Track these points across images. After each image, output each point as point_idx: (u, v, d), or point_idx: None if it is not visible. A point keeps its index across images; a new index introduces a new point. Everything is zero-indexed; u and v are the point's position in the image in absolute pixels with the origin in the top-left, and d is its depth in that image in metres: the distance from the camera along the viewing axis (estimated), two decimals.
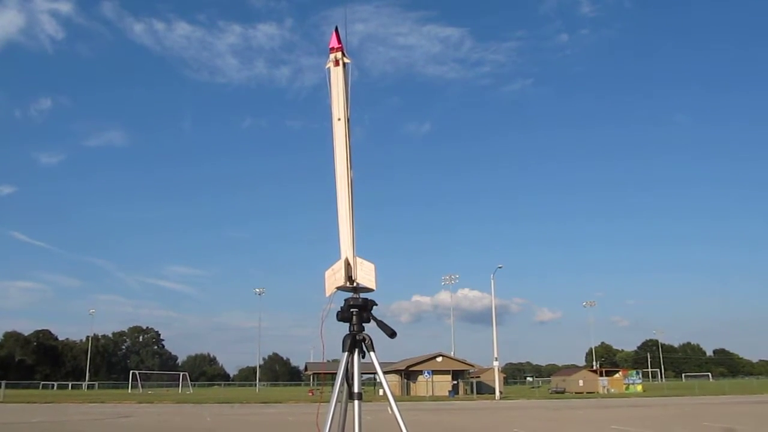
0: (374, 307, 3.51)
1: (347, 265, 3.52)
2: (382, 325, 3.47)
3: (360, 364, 3.45)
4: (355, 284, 3.52)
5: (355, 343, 3.41)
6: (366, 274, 3.51)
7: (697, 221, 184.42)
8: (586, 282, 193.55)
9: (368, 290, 3.53)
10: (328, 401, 3.31)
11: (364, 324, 3.47)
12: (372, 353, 3.43)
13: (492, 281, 54.86)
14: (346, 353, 3.36)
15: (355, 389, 3.37)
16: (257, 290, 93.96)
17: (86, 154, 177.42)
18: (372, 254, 3.56)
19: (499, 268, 56.36)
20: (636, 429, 17.28)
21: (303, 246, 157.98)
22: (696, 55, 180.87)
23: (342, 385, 3.36)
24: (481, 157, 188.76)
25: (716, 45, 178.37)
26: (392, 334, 3.44)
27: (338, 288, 3.53)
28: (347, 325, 3.49)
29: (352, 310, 3.46)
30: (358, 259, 3.55)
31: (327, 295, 3.57)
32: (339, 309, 3.51)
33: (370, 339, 3.44)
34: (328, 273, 3.63)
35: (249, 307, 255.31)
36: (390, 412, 3.34)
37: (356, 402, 3.35)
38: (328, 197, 3.79)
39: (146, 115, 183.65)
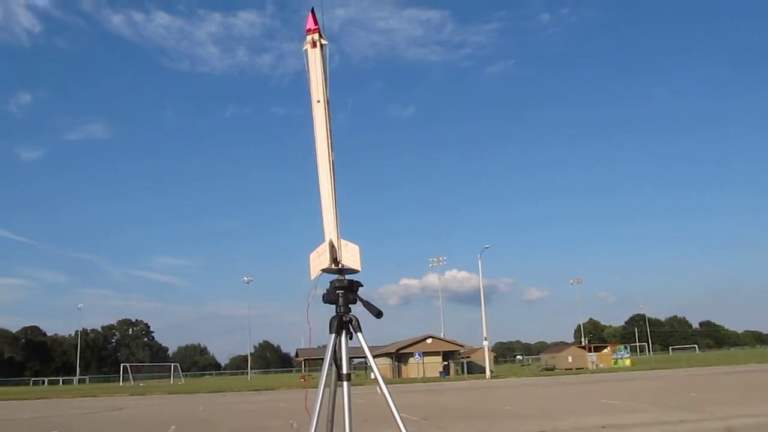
0: (360, 288, 3.51)
1: (332, 247, 3.50)
2: (368, 305, 3.47)
3: (348, 346, 3.45)
4: (340, 266, 3.51)
5: (342, 324, 3.41)
6: (351, 256, 3.50)
7: (681, 195, 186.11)
8: (573, 259, 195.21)
9: (354, 271, 3.52)
10: (317, 386, 3.31)
11: (350, 305, 3.47)
12: (359, 334, 3.43)
13: (479, 262, 55.16)
14: (334, 335, 3.36)
15: (344, 370, 3.38)
16: (245, 278, 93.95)
17: (68, 147, 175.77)
18: (358, 238, 3.55)
19: (486, 248, 56.72)
20: (625, 402, 17.50)
21: (289, 232, 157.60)
22: (676, 30, 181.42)
23: (330, 367, 3.36)
24: (465, 138, 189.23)
25: (697, 19, 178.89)
26: (378, 314, 3.43)
27: (323, 270, 3.52)
28: (334, 307, 3.49)
29: (338, 291, 3.46)
30: (343, 241, 3.54)
31: (312, 278, 3.56)
32: (325, 291, 3.51)
33: (357, 320, 3.44)
34: (312, 256, 3.61)
35: (238, 295, 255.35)
36: (379, 392, 3.35)
37: (345, 383, 3.36)
38: (313, 182, 3.76)
39: (127, 107, 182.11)
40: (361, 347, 3.48)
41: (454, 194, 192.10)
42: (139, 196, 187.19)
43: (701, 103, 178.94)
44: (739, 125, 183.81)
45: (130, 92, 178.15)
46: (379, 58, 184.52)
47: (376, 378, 3.44)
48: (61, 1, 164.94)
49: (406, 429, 3.30)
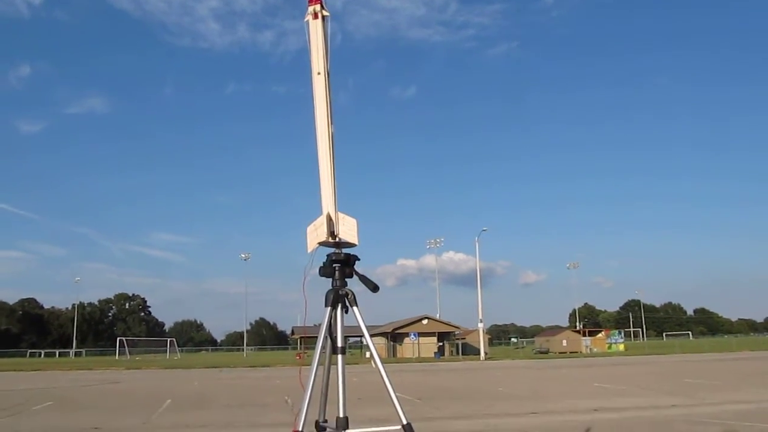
0: (357, 262, 3.49)
1: (329, 220, 3.47)
2: (364, 279, 3.45)
3: (343, 320, 3.43)
4: (337, 239, 3.48)
5: (338, 298, 3.39)
6: (348, 229, 3.47)
7: (678, 181, 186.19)
8: (570, 243, 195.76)
9: (351, 245, 3.49)
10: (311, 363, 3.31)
11: (346, 279, 3.45)
12: (355, 308, 3.40)
13: (476, 244, 55.24)
14: (329, 308, 3.34)
15: (339, 343, 3.37)
16: (243, 255, 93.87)
17: (68, 121, 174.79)
18: (357, 217, 3.52)
19: (484, 231, 56.85)
20: (618, 386, 17.62)
21: (288, 210, 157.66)
22: (680, 15, 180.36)
23: (325, 340, 3.35)
24: (465, 120, 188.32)
25: (702, 4, 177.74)
26: (375, 288, 3.42)
27: (320, 243, 3.49)
28: (330, 281, 3.47)
29: (334, 265, 3.43)
30: (340, 215, 3.50)
31: (309, 251, 3.53)
32: (321, 265, 3.48)
33: (353, 294, 3.42)
34: (309, 229, 3.59)
35: (235, 272, 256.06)
36: (374, 365, 3.34)
37: (339, 356, 3.34)
38: (312, 160, 3.71)
39: (128, 82, 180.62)
40: (357, 322, 3.46)
41: (453, 176, 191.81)
42: (139, 171, 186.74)
43: (703, 90, 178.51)
44: (740, 114, 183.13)
45: (131, 67, 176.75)
46: (382, 37, 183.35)
47: (371, 354, 3.42)
48: None
49: (401, 407, 3.29)
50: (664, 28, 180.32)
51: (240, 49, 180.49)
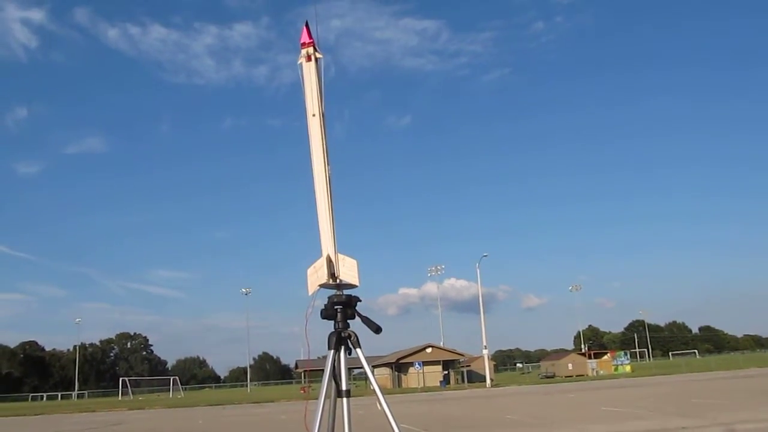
0: (358, 303, 3.48)
1: (329, 261, 3.48)
2: (366, 321, 3.44)
3: (347, 361, 3.42)
4: (338, 281, 3.48)
5: (341, 340, 3.37)
6: (349, 270, 3.48)
7: (679, 199, 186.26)
8: (572, 266, 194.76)
9: (352, 286, 3.49)
10: (316, 399, 3.28)
11: (348, 321, 3.44)
12: (358, 350, 3.39)
13: (477, 270, 55.10)
14: (332, 351, 3.33)
15: (343, 387, 3.35)
16: (244, 290, 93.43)
17: (66, 161, 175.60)
18: (357, 249, 3.52)
19: (484, 256, 56.66)
20: (626, 409, 17.45)
21: (288, 243, 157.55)
22: (669, 35, 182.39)
23: (330, 383, 3.33)
24: (461, 147, 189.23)
25: (690, 24, 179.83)
26: (377, 329, 3.40)
27: (321, 285, 3.48)
28: (332, 322, 3.46)
29: (336, 307, 3.42)
30: (340, 256, 3.51)
31: (310, 293, 3.52)
32: (323, 307, 3.47)
33: (356, 336, 3.41)
34: (310, 271, 3.59)
35: (236, 307, 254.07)
36: (379, 408, 3.32)
37: (344, 400, 3.32)
38: (310, 194, 3.74)
39: (125, 120, 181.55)
40: (360, 363, 3.45)
41: (451, 202, 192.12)
42: (137, 209, 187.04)
43: (697, 107, 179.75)
44: (738, 129, 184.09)
45: (127, 105, 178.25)
46: (375, 68, 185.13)
47: (375, 392, 3.41)
48: (56, 16, 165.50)
49: None
50: (654, 49, 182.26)
51: (235, 84, 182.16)
